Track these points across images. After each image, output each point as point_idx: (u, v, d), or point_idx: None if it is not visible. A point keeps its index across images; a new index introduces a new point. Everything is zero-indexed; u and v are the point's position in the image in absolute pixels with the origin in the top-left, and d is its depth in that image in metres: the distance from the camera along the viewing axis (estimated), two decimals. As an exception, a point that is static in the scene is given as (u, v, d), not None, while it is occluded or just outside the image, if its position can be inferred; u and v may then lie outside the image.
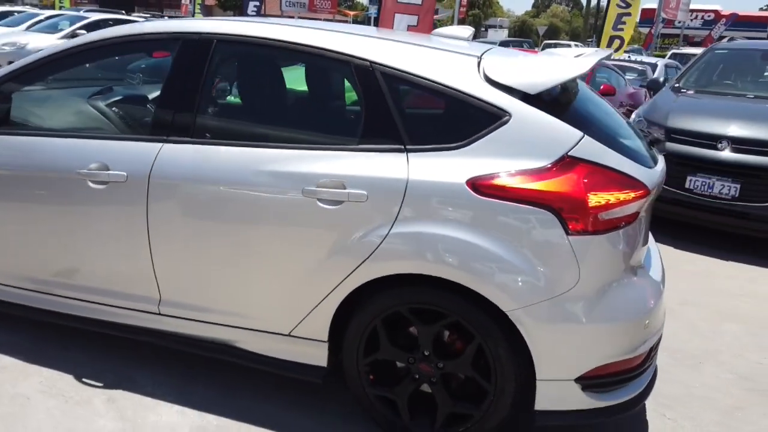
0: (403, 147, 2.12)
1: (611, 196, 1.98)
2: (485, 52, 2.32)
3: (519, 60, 2.35)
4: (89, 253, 2.50)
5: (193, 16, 18.37)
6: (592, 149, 2.03)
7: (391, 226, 2.07)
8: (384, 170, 2.10)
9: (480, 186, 2.01)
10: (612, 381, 2.12)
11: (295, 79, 2.91)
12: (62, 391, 2.50)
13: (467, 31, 2.95)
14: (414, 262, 2.07)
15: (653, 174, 2.18)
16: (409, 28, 6.96)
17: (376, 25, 7.96)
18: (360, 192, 2.10)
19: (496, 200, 2.00)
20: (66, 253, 2.55)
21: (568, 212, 1.95)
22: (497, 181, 2.01)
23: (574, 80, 2.37)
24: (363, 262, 2.10)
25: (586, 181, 1.98)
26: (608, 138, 2.17)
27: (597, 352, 2.06)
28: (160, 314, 2.46)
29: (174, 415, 2.41)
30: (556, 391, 2.10)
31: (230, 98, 3.17)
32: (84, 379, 2.57)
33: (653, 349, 2.25)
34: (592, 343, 2.06)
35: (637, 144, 2.36)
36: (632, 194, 2.01)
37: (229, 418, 2.41)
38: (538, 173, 2.00)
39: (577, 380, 2.07)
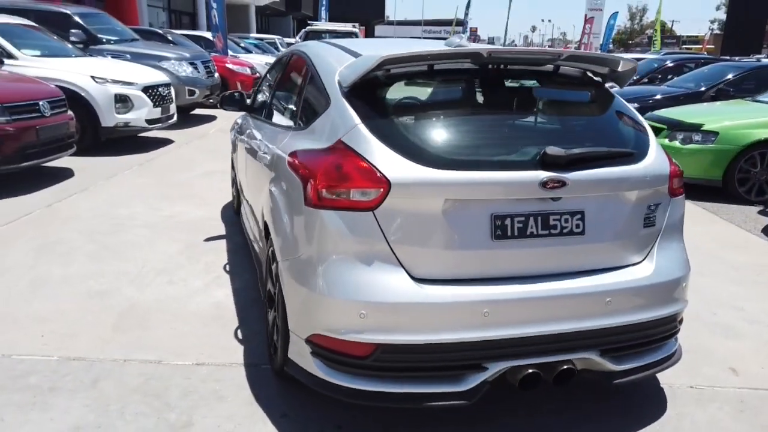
0: (293, 125, 2.96)
1: (347, 181, 2.17)
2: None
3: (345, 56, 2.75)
4: None
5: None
6: (357, 138, 2.25)
7: None
8: (282, 142, 2.88)
9: (288, 157, 2.54)
10: (336, 359, 2.23)
11: None
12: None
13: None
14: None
15: (451, 176, 2.14)
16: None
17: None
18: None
19: (290, 169, 2.48)
20: None
21: (306, 186, 2.26)
22: (290, 156, 2.52)
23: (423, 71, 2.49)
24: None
25: (338, 163, 2.22)
26: (413, 130, 2.30)
27: (313, 319, 2.25)
28: None
29: None
30: (297, 345, 2.38)
31: None
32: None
33: (391, 350, 2.16)
34: (310, 307, 2.26)
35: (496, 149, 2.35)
36: (367, 184, 2.14)
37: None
38: (316, 152, 2.37)
39: (307, 342, 2.30)
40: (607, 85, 2.80)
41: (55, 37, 8.84)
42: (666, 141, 7.07)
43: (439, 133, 2.35)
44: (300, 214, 2.32)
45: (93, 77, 7.76)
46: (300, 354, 2.36)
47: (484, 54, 2.34)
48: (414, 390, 2.21)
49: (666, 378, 2.91)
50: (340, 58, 2.73)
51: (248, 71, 13.54)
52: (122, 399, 2.59)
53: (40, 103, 6.08)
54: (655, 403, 2.74)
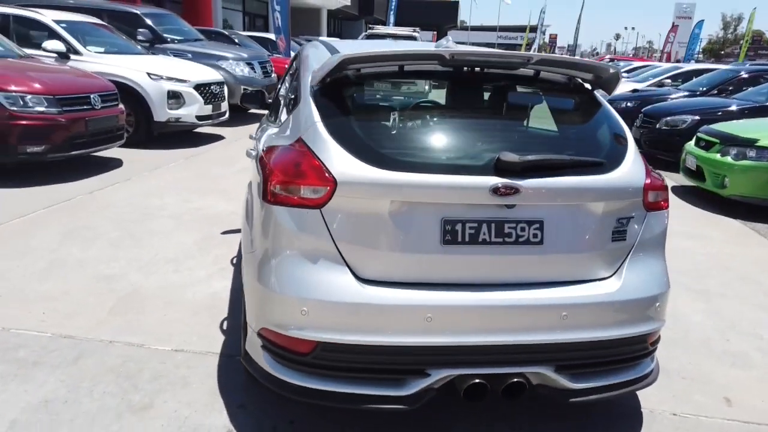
0: (275, 122, 3.09)
1: (297, 178, 2.16)
2: None
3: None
4: None
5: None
6: (314, 136, 2.25)
7: None
8: (264, 138, 2.89)
9: (261, 152, 2.56)
10: (281, 354, 2.23)
11: None
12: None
13: None
14: None
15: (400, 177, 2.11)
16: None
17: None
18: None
19: (259, 165, 2.49)
20: None
21: (266, 181, 2.25)
22: (263, 152, 2.54)
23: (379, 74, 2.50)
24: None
25: (292, 160, 2.22)
26: (371, 131, 2.30)
27: (262, 312, 2.26)
28: None
29: None
30: (251, 338, 2.38)
31: None
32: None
33: (331, 349, 2.15)
34: (260, 301, 2.26)
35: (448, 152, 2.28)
36: (315, 181, 2.13)
37: None
38: (279, 148, 2.37)
39: (258, 335, 2.31)
40: (598, 92, 2.68)
41: (123, 36, 9.36)
42: (718, 156, 6.68)
43: (392, 134, 2.32)
44: (261, 209, 2.36)
45: (149, 74, 8.16)
46: (253, 347, 2.39)
47: (447, 56, 2.30)
48: (354, 391, 2.19)
49: (649, 401, 2.76)
50: (321, 57, 2.76)
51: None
52: (96, 378, 2.71)
53: (92, 96, 6.45)
54: (629, 426, 2.60)
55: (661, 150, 9.13)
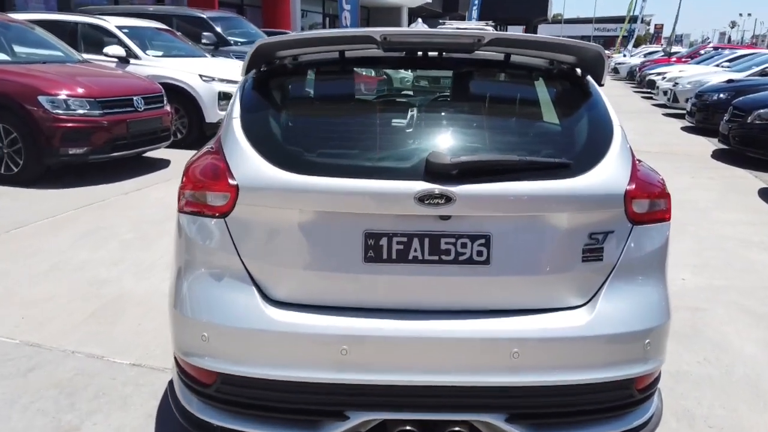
0: None
1: (201, 182, 1.88)
2: None
3: None
4: None
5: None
6: (229, 134, 1.96)
7: None
8: None
9: None
10: (186, 383, 1.98)
11: None
12: None
13: None
14: None
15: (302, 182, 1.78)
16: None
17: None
18: None
19: None
20: None
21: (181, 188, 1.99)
22: None
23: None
24: None
25: (202, 162, 1.95)
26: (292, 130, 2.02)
27: (172, 335, 1.99)
28: None
29: None
30: (175, 363, 2.07)
31: None
32: None
33: (232, 382, 1.86)
34: (170, 322, 1.99)
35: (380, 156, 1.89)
36: (217, 186, 1.84)
37: None
38: (205, 149, 2.11)
39: (174, 360, 2.06)
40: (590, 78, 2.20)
41: (188, 40, 9.56)
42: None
43: (313, 132, 1.99)
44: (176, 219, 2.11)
45: (201, 75, 8.23)
46: (174, 370, 2.15)
47: (377, 37, 1.92)
48: None
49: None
50: None
51: (372, 72, 13.60)
52: (38, 393, 2.57)
53: (135, 98, 6.53)
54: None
55: (752, 147, 8.09)
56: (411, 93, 2.25)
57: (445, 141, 1.94)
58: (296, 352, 1.81)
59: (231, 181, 1.84)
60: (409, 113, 2.08)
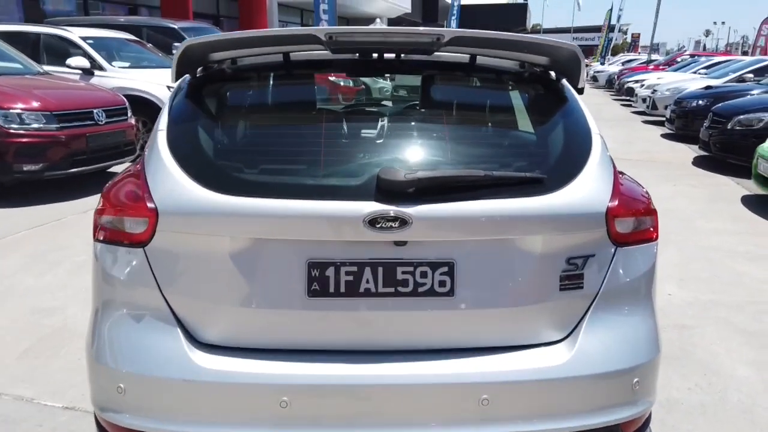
0: None
1: (116, 206, 1.64)
2: None
3: None
4: None
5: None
6: (154, 150, 1.71)
7: None
8: None
9: None
10: None
11: None
12: None
13: None
14: None
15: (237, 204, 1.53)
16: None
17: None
18: None
19: None
20: None
21: None
22: None
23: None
24: None
25: (121, 182, 1.74)
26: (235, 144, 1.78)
27: (90, 389, 1.70)
28: None
29: None
30: (94, 418, 1.81)
31: None
32: None
33: None
34: (88, 373, 1.70)
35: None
36: (134, 211, 1.60)
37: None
38: (129, 167, 1.92)
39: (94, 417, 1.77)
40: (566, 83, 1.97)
41: (159, 52, 9.27)
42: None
43: (243, 147, 1.75)
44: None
45: (168, 86, 7.93)
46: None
47: (322, 36, 1.68)
48: None
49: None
50: None
51: (351, 83, 13.40)
52: (-47, 443, 2.27)
53: (95, 111, 6.22)
54: None
55: (733, 153, 7.97)
56: (363, 100, 2.00)
57: (400, 155, 1.70)
58: (228, 406, 1.54)
59: (149, 204, 1.58)
60: (362, 124, 1.83)
